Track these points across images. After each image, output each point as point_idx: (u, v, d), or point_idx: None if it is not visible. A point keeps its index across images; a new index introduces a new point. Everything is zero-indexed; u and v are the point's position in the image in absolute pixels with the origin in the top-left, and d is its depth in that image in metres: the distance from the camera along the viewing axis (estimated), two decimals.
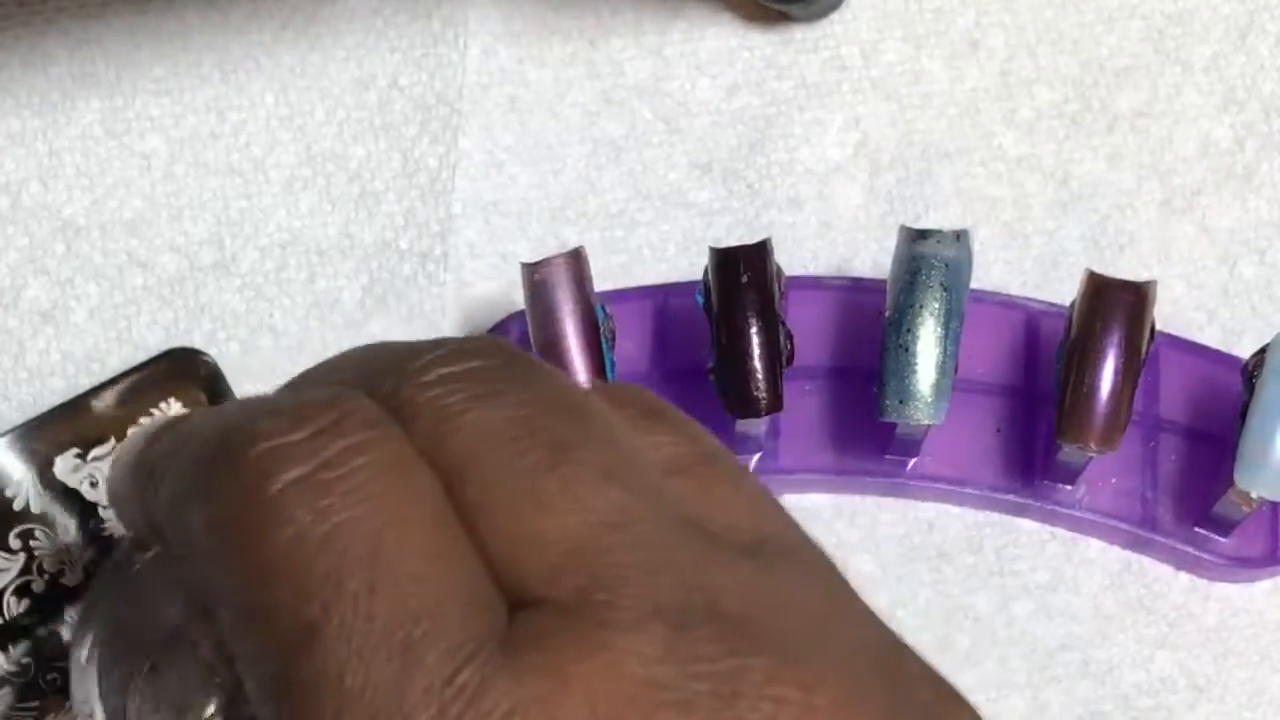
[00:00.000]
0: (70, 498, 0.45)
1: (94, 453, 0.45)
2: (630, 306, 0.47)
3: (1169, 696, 0.46)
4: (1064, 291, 0.47)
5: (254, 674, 0.25)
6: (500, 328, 0.48)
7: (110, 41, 0.49)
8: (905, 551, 0.47)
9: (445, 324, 0.48)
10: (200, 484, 0.26)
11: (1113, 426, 0.43)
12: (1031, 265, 0.49)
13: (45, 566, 0.44)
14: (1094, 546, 0.47)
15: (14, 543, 0.44)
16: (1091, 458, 0.44)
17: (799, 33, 0.51)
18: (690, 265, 0.49)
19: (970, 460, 0.47)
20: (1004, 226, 0.49)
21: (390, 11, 0.50)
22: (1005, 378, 0.47)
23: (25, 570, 0.44)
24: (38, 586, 0.44)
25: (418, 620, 0.24)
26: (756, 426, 0.44)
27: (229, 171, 0.49)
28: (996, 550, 0.47)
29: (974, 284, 0.44)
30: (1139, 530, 0.46)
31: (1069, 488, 0.46)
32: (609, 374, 0.44)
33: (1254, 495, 0.43)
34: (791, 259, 0.48)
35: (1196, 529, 0.46)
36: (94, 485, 0.45)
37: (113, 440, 0.45)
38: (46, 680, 0.44)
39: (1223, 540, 0.46)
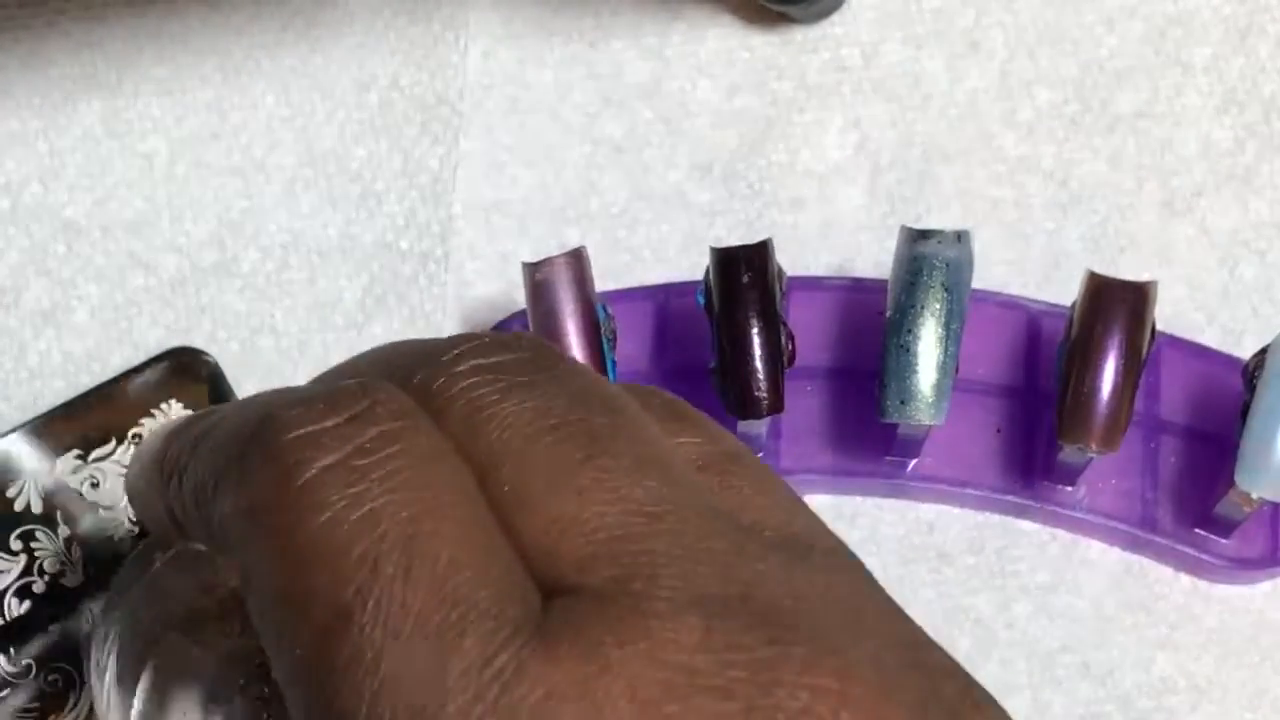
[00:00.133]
0: (71, 498, 0.45)
1: (95, 453, 0.45)
2: (631, 306, 0.47)
3: (1170, 698, 0.46)
4: (1065, 292, 0.47)
5: (285, 659, 0.25)
6: (501, 328, 0.48)
7: (111, 43, 0.49)
8: (906, 552, 0.47)
9: (446, 324, 0.48)
10: (232, 471, 0.26)
11: (1113, 427, 0.43)
12: (1032, 266, 0.49)
13: (46, 568, 0.44)
14: (1095, 548, 0.47)
15: (15, 544, 0.44)
16: (1092, 458, 0.44)
17: (799, 34, 0.51)
18: (691, 265, 0.49)
19: (971, 461, 0.47)
20: (1005, 227, 0.49)
21: (391, 13, 0.50)
22: (1006, 378, 0.47)
23: (26, 571, 0.44)
24: (39, 588, 0.44)
25: (454, 604, 0.24)
26: (757, 427, 0.44)
27: (230, 172, 0.49)
28: (997, 551, 0.47)
29: (975, 284, 0.44)
30: (1139, 531, 0.46)
31: (1069, 489, 0.46)
32: (610, 374, 0.44)
33: (1255, 496, 0.43)
34: (793, 259, 0.48)
35: (1197, 530, 0.46)
36: (95, 486, 0.45)
37: (114, 441, 0.45)
38: (48, 681, 0.44)
39: (1223, 541, 0.46)
